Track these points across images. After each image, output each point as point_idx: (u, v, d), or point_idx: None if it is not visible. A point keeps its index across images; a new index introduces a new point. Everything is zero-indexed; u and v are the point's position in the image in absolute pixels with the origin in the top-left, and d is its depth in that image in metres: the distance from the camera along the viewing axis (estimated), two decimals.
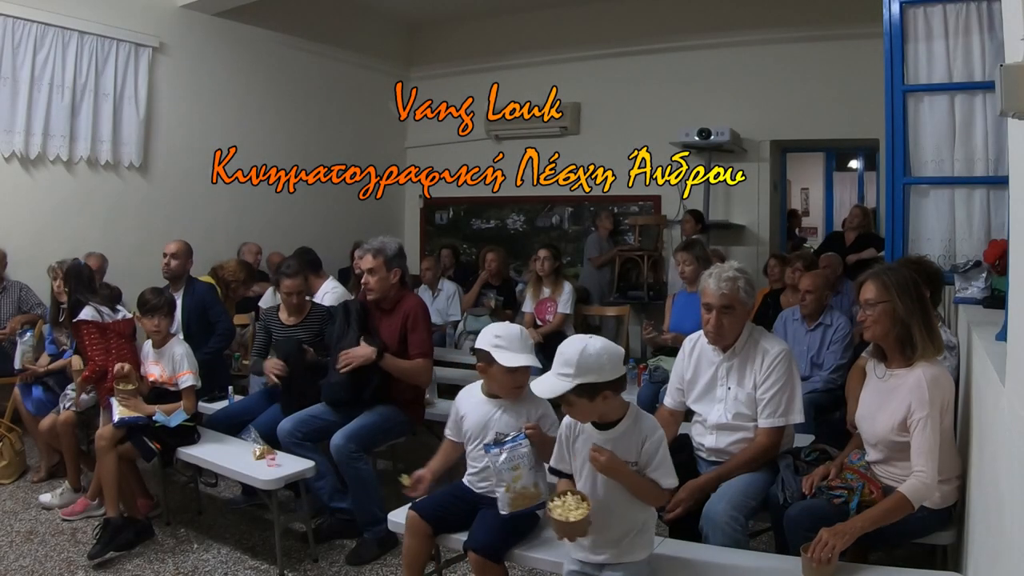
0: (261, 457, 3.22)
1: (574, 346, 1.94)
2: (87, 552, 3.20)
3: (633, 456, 2.02)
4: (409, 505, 2.51)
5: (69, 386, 3.89)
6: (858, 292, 2.38)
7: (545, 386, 1.96)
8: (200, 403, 3.77)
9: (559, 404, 2.05)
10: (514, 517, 2.29)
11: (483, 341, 2.41)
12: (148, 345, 3.67)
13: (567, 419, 2.10)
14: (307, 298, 4.07)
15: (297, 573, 3.18)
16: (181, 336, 3.99)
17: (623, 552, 2.06)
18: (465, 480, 2.58)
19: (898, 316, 2.26)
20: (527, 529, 2.41)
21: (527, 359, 2.36)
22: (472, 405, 2.54)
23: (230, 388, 4.21)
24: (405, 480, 2.53)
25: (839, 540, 2.03)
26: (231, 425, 3.74)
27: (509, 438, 2.29)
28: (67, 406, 3.83)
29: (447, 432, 2.66)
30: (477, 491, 2.52)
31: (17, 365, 4.22)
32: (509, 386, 2.39)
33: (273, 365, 3.74)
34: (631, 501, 2.04)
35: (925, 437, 2.16)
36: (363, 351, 3.34)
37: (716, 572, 2.18)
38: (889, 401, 2.27)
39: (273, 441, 3.39)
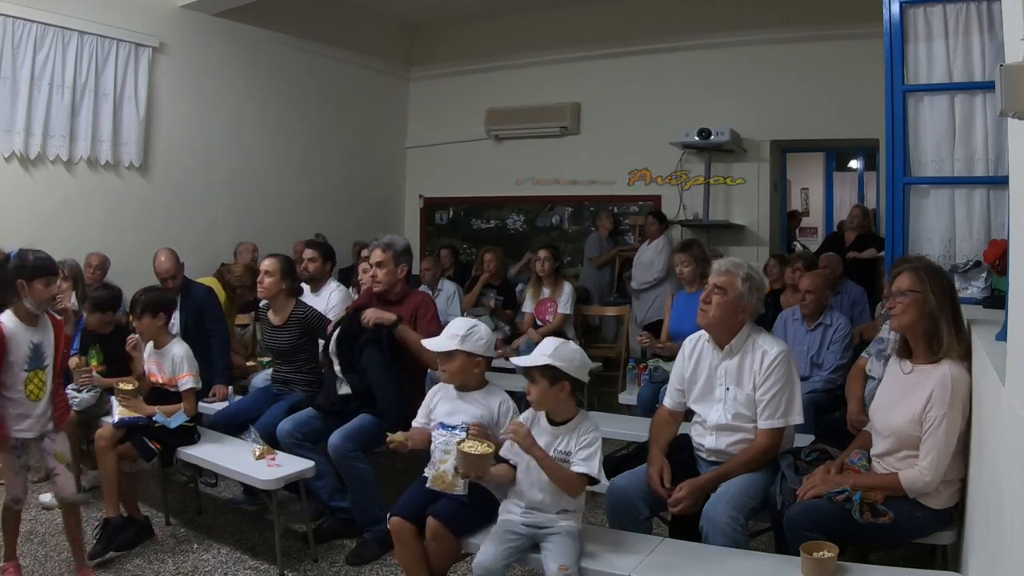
0: (261, 457, 3.22)
1: (557, 340, 2.39)
2: (87, 552, 3.19)
3: (573, 449, 2.35)
4: (389, 513, 2.57)
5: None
6: (891, 283, 2.40)
7: (527, 358, 2.37)
8: (200, 404, 3.76)
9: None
10: (475, 501, 2.49)
11: None
12: (149, 346, 3.67)
13: (525, 413, 2.47)
14: (290, 296, 3.93)
15: (297, 573, 3.18)
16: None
17: (556, 521, 2.35)
18: (427, 472, 2.63)
19: (928, 309, 2.28)
20: (490, 512, 2.50)
21: (438, 344, 2.62)
22: (444, 395, 2.73)
23: (230, 388, 4.21)
24: (398, 437, 2.65)
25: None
26: (231, 426, 3.73)
27: (457, 427, 2.55)
28: None
29: (415, 421, 2.76)
30: None
31: None
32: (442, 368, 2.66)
33: None
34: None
35: (938, 436, 2.16)
36: (387, 313, 3.42)
37: (716, 572, 2.18)
38: (911, 394, 2.27)
39: (273, 441, 3.39)
